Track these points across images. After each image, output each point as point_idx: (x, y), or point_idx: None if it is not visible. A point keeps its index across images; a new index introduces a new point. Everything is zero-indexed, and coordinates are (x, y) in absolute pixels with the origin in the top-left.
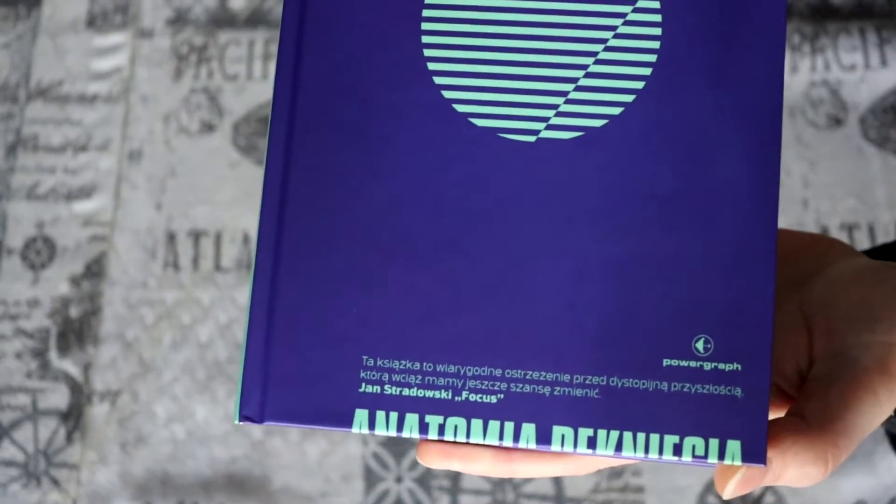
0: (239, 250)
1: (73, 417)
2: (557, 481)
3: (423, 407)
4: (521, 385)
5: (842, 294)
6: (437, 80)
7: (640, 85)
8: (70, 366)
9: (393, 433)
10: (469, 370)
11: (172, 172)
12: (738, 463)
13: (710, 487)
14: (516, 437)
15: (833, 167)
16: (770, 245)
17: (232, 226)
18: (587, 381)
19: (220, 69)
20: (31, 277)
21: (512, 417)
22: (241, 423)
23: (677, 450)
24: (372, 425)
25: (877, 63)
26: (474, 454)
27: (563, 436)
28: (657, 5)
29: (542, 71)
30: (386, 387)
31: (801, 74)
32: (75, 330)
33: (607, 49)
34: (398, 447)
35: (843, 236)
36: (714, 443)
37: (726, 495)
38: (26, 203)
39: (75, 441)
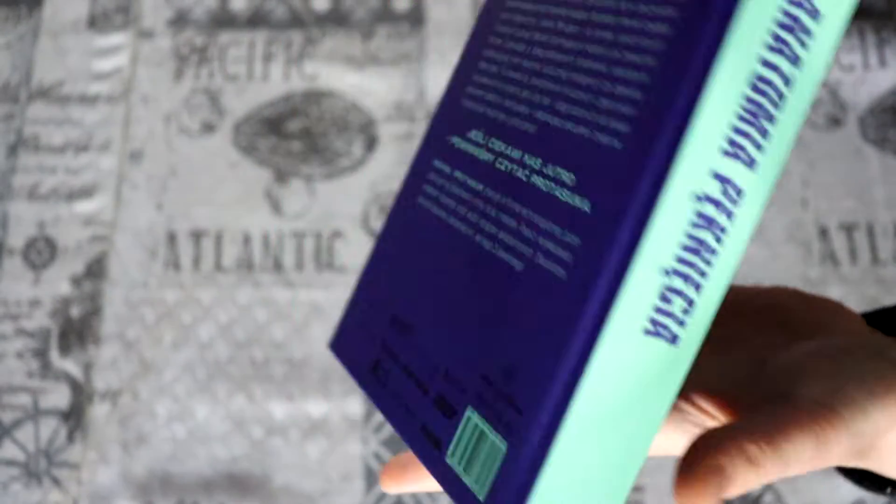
0: (239, 250)
1: (74, 417)
2: None
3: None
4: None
5: (809, 362)
6: None
7: None
8: (71, 365)
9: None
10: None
11: (173, 172)
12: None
13: None
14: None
15: (832, 167)
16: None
17: (232, 226)
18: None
19: (220, 70)
20: (32, 277)
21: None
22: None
23: None
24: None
25: (875, 64)
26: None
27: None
28: None
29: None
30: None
31: None
32: (76, 330)
33: None
34: (398, 447)
35: (842, 236)
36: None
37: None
38: (27, 203)
39: (76, 440)
